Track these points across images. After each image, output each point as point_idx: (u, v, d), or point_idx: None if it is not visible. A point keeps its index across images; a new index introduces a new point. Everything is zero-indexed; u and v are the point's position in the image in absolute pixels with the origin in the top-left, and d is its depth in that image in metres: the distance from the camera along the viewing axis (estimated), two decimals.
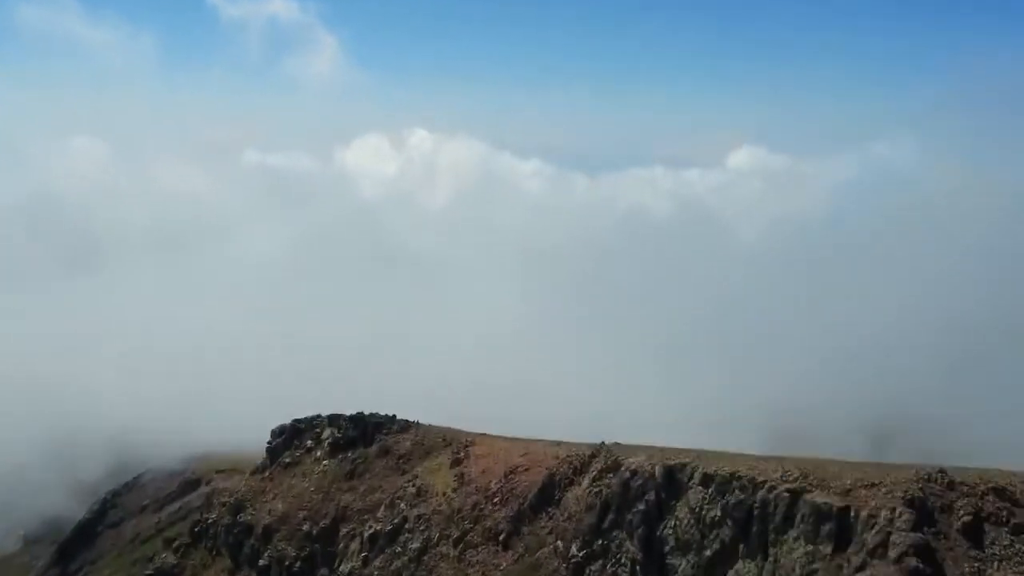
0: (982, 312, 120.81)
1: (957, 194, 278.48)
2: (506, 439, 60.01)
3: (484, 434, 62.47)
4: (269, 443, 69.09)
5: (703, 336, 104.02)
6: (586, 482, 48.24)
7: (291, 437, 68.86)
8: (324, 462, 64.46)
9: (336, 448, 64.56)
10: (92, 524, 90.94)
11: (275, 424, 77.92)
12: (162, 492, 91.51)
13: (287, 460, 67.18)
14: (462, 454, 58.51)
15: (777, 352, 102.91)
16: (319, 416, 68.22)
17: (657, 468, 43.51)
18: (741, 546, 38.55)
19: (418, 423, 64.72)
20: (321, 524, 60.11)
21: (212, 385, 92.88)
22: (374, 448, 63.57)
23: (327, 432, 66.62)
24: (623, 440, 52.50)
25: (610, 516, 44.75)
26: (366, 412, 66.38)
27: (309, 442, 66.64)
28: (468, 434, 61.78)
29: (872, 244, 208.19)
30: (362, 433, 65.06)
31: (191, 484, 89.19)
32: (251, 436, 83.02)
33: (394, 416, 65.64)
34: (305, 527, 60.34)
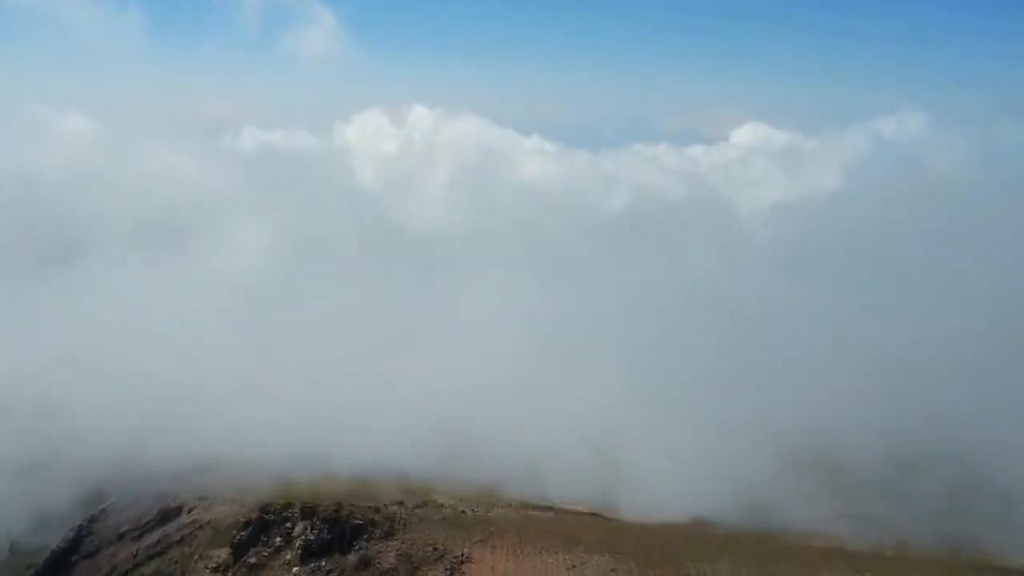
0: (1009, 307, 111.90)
1: (971, 171, 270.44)
2: (513, 534, 54.26)
3: (484, 540, 55.03)
4: (233, 537, 60.76)
5: (713, 341, 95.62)
6: None
7: (258, 531, 61.03)
8: (295, 568, 57.08)
9: (308, 553, 57.26)
10: (67, 554, 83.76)
11: (267, 439, 72.56)
12: (141, 518, 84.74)
13: (252, 560, 59.52)
14: (456, 574, 52.12)
15: (791, 357, 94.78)
16: (290, 509, 59.60)
17: None
18: None
19: (404, 525, 56.68)
20: None
21: (195, 396, 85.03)
22: (353, 558, 56.01)
23: (299, 529, 58.73)
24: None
25: None
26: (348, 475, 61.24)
27: (278, 539, 58.50)
28: (471, 509, 56.32)
29: (887, 227, 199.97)
30: (339, 536, 57.38)
31: (172, 512, 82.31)
32: (239, 454, 76.37)
33: (377, 510, 58.06)
34: None
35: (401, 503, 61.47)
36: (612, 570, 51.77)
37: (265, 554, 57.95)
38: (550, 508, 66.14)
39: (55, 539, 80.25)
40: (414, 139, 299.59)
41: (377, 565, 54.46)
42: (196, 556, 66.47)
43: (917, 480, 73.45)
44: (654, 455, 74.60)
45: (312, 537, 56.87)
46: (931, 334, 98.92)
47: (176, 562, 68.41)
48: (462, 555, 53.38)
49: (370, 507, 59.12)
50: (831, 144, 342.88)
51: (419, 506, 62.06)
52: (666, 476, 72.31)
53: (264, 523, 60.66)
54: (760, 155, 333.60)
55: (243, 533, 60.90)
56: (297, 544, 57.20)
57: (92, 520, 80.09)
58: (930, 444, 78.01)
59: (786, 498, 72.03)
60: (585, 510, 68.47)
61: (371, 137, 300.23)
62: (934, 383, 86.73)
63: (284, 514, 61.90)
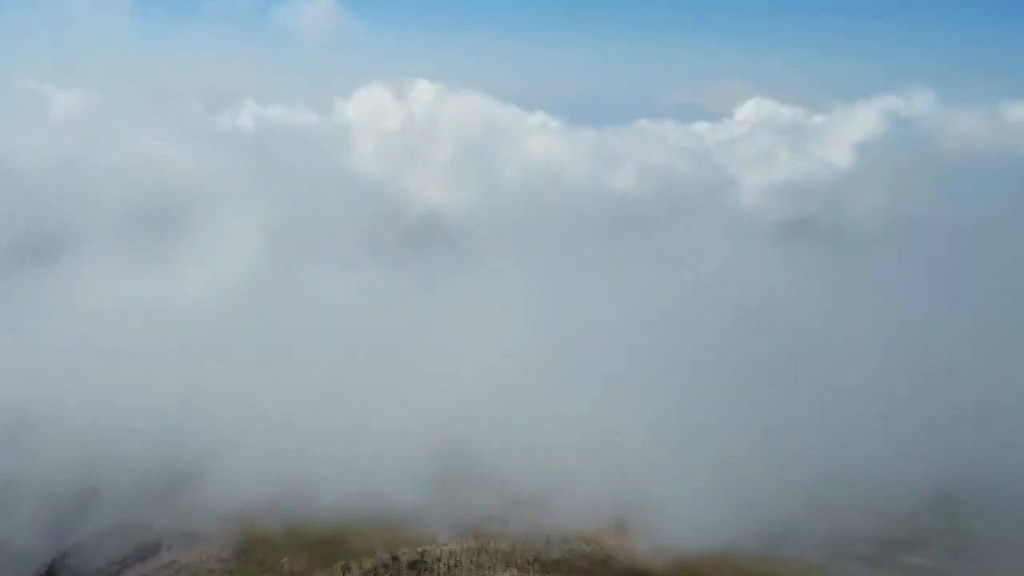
0: None
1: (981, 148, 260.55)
2: None
3: None
4: None
5: (731, 345, 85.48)
6: None
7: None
8: None
9: None
10: None
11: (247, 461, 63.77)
12: (117, 554, 76.04)
13: None
14: None
15: (817, 363, 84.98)
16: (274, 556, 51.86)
17: None
18: None
19: None
20: None
21: (173, 410, 75.73)
22: None
23: None
24: None
25: None
26: None
27: None
28: None
29: (901, 210, 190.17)
30: None
31: (150, 548, 73.66)
32: (219, 476, 67.70)
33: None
34: None
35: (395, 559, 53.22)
36: None
37: None
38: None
39: None
40: (416, 115, 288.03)
41: None
42: None
43: (962, 521, 63.85)
44: (674, 479, 65.80)
45: None
46: (978, 338, 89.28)
47: None
48: None
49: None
50: (838, 120, 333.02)
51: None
52: (688, 503, 63.82)
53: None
54: (766, 131, 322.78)
55: None
56: None
57: (64, 555, 71.23)
58: (981, 478, 67.65)
59: (816, 527, 63.96)
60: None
61: (372, 114, 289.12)
62: (985, 402, 76.52)
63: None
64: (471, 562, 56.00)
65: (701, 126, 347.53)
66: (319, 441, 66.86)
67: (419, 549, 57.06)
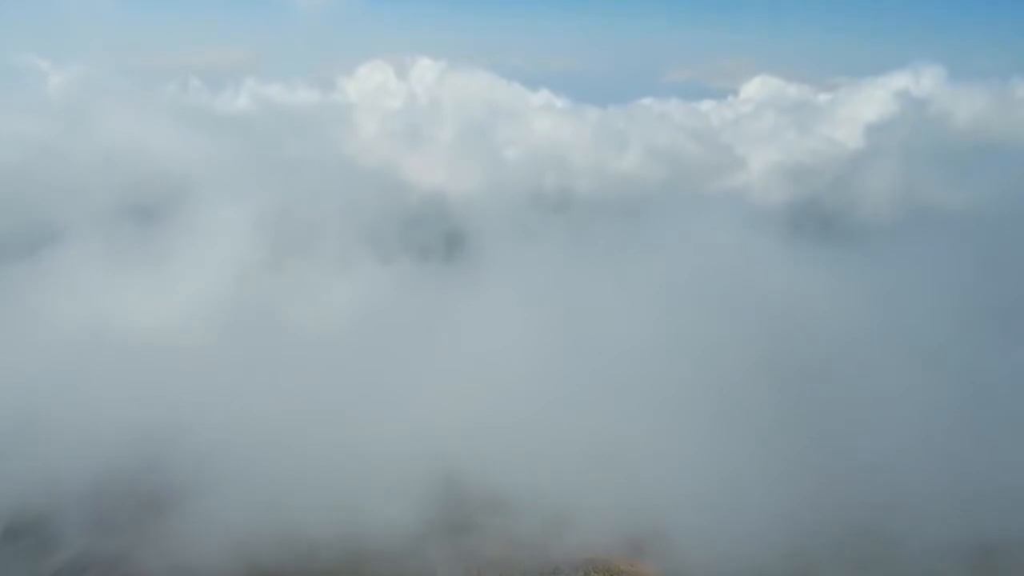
0: None
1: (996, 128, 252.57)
2: None
3: None
4: None
5: (752, 355, 77.65)
6: None
7: None
8: None
9: None
10: None
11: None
12: None
13: None
14: None
15: (837, 379, 77.46)
16: None
17: None
18: None
19: None
20: None
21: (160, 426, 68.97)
22: None
23: None
24: None
25: None
26: None
27: None
28: None
29: (917, 194, 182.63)
30: None
31: None
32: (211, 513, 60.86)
33: None
34: None
35: None
36: None
37: None
38: None
39: None
40: (418, 95, 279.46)
41: None
42: None
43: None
44: (693, 497, 58.75)
45: None
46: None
47: None
48: None
49: None
50: (846, 98, 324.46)
51: None
52: (709, 524, 56.92)
53: None
54: (773, 110, 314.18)
55: None
56: None
57: None
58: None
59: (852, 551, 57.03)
60: None
61: (373, 92, 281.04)
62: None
63: None
64: None
65: (707, 104, 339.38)
66: (311, 465, 60.06)
67: None
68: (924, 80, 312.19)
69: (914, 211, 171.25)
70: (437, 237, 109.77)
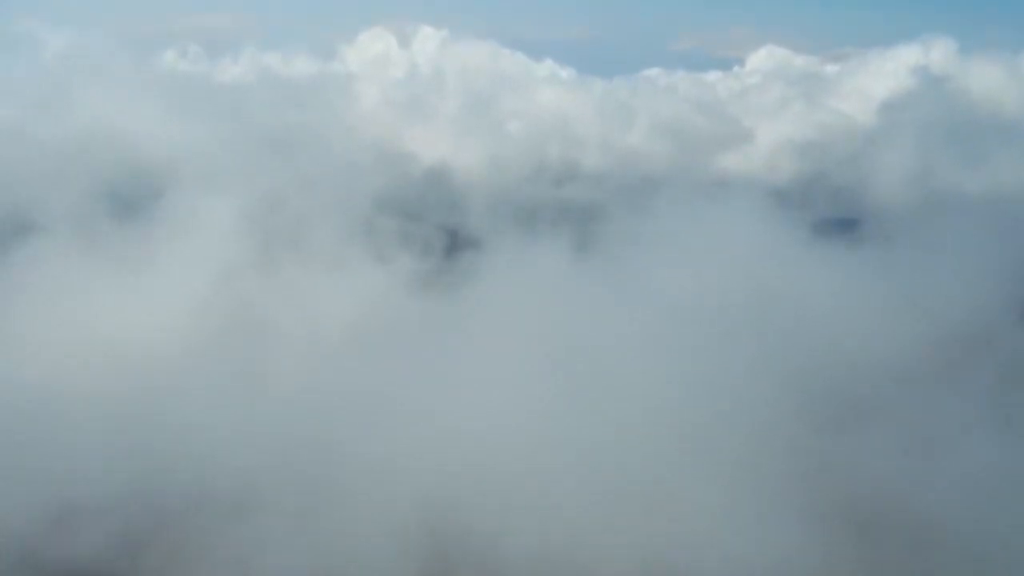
0: None
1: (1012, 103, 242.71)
2: None
3: None
4: None
5: (766, 368, 67.87)
6: None
7: None
8: None
9: None
10: None
11: None
12: None
13: None
14: None
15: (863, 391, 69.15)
16: None
17: None
18: None
19: None
20: None
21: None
22: None
23: None
24: None
25: None
26: None
27: None
28: None
29: (934, 175, 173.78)
30: None
31: None
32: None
33: None
34: None
35: None
36: None
37: None
38: None
39: None
40: (419, 65, 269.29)
41: None
42: None
43: None
44: (714, 544, 50.69)
45: None
46: None
47: None
48: None
49: None
50: (854, 70, 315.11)
51: None
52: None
53: None
54: (780, 82, 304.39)
55: None
56: None
57: None
58: None
59: None
60: None
61: (373, 63, 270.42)
62: None
63: None
64: None
65: (713, 75, 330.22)
66: (286, 490, 52.93)
67: None
68: (934, 53, 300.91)
69: (933, 193, 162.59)
70: (438, 233, 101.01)
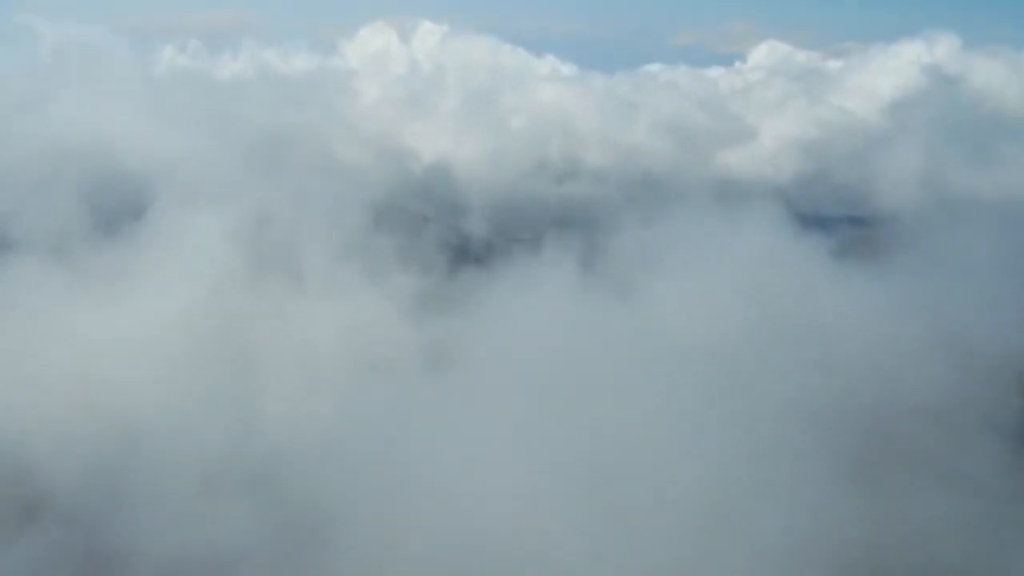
0: None
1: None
2: None
3: None
4: None
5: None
6: None
7: None
8: None
9: None
10: None
11: None
12: None
13: None
14: None
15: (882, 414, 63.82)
16: None
17: None
18: None
19: None
20: None
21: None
22: None
23: None
24: None
25: None
26: None
27: None
28: None
29: (947, 182, 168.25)
30: None
31: None
32: None
33: None
34: None
35: None
36: None
37: None
38: None
39: None
40: (419, 61, 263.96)
41: None
42: None
43: None
44: None
45: None
46: None
47: None
48: None
49: None
50: (856, 66, 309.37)
51: None
52: None
53: None
54: (783, 78, 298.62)
55: None
56: None
57: None
58: None
59: None
60: None
61: (374, 59, 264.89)
62: None
63: None
64: None
65: (715, 71, 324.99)
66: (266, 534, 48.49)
67: None
68: (938, 50, 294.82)
69: (945, 193, 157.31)
70: (438, 247, 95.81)
